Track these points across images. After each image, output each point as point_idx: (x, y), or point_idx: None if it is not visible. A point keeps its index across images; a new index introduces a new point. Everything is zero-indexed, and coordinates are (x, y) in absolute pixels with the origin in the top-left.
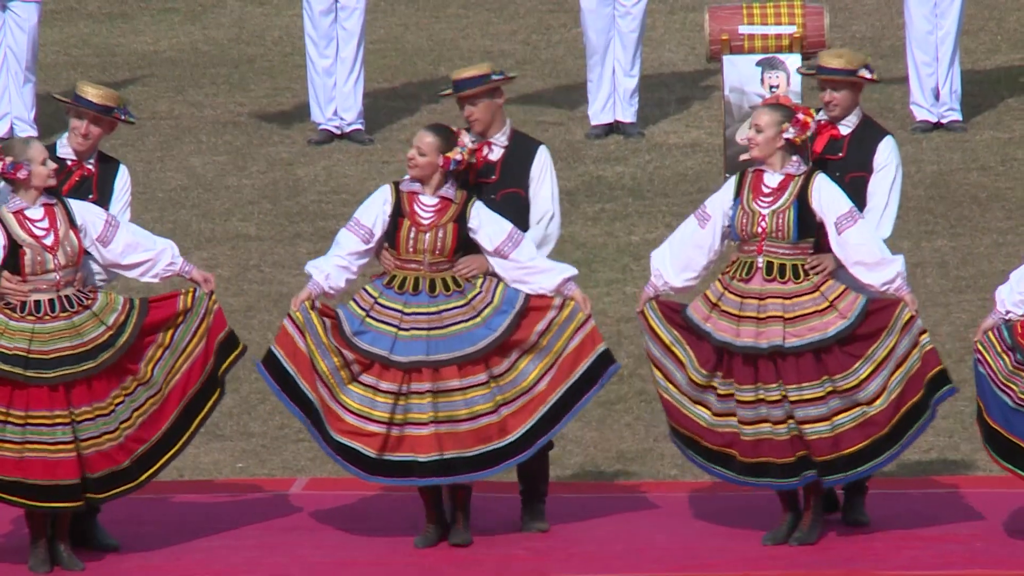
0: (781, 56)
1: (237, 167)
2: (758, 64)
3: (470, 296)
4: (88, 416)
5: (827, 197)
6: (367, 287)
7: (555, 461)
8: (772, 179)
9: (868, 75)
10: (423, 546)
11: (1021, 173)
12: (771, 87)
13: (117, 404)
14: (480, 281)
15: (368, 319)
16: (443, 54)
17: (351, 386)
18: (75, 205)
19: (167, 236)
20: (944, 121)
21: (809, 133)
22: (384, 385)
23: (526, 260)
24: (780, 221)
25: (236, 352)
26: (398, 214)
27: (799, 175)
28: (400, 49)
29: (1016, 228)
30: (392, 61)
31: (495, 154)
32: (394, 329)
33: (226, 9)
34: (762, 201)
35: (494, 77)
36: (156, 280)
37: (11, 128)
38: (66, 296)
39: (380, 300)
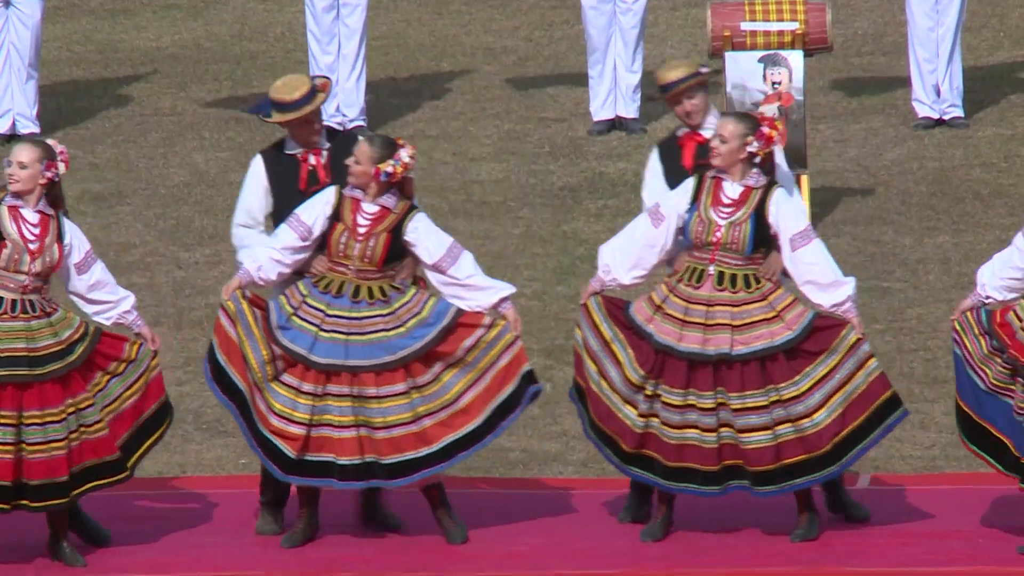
0: (783, 52)
1: (240, 163)
2: (760, 60)
3: (395, 306)
4: (36, 421)
5: (784, 213)
6: (299, 284)
7: (557, 457)
8: (732, 190)
9: (707, 69)
10: (288, 546)
11: (1023, 169)
12: (773, 83)
13: (70, 413)
14: (412, 292)
15: (294, 317)
16: (445, 50)
17: (275, 384)
18: (68, 225)
19: (169, 233)
20: (946, 118)
21: (773, 147)
22: (306, 387)
23: (464, 277)
24: (736, 233)
25: (165, 425)
26: (335, 218)
27: (758, 187)
28: (402, 45)
29: (1019, 224)
30: (394, 58)
31: (323, 158)
32: (315, 329)
33: (228, 5)
34: (721, 211)
35: (317, 82)
36: (107, 323)
37: (13, 124)
38: (29, 300)
39: (308, 300)
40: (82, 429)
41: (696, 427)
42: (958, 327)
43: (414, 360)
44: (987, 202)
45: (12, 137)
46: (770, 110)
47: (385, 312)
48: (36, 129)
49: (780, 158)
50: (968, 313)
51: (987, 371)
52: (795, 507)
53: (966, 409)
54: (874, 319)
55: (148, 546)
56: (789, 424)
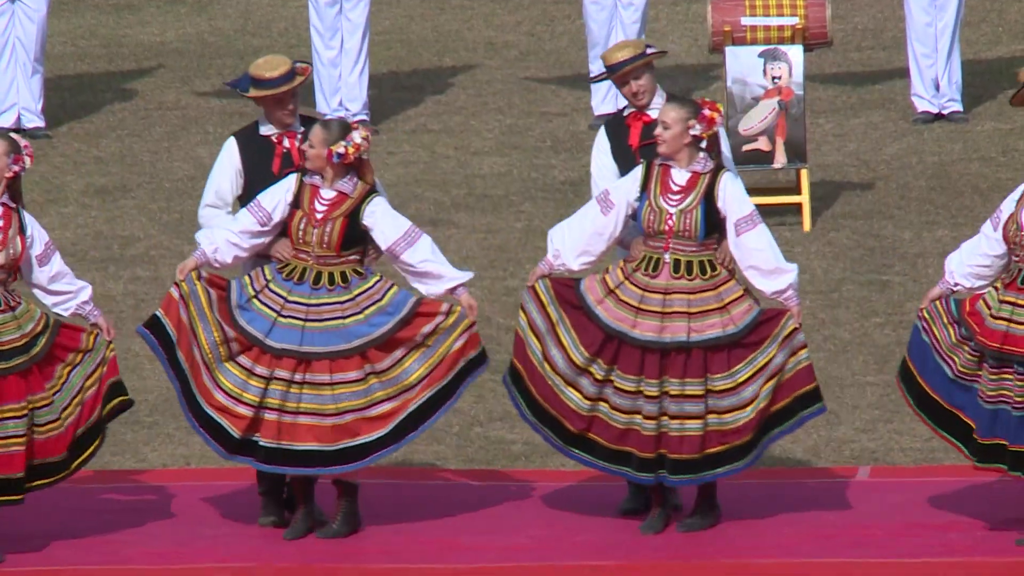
0: (783, 47)
1: None
2: (760, 55)
3: (355, 292)
4: None
5: (731, 197)
6: (264, 269)
7: None
8: (680, 176)
9: (654, 50)
10: (290, 538)
11: (1022, 164)
12: (773, 78)
13: (29, 410)
14: (375, 279)
15: (255, 299)
16: (448, 45)
17: (227, 364)
18: (28, 217)
19: (174, 226)
20: (945, 112)
21: (716, 129)
22: (259, 369)
23: (419, 262)
24: (688, 221)
25: (124, 399)
26: (295, 205)
27: (706, 172)
28: (405, 40)
29: None
30: (397, 52)
31: (298, 141)
32: (274, 314)
33: (232, 0)
34: (670, 199)
35: (298, 65)
36: (66, 314)
37: (18, 118)
38: None
39: (271, 285)
40: (36, 428)
41: (639, 413)
42: (926, 315)
43: (371, 348)
44: (986, 196)
45: (17, 132)
46: (768, 105)
47: (344, 299)
48: (41, 123)
49: (725, 145)
50: (937, 302)
51: (955, 359)
52: (796, 500)
53: (934, 396)
54: (874, 312)
55: (151, 538)
56: (716, 416)
